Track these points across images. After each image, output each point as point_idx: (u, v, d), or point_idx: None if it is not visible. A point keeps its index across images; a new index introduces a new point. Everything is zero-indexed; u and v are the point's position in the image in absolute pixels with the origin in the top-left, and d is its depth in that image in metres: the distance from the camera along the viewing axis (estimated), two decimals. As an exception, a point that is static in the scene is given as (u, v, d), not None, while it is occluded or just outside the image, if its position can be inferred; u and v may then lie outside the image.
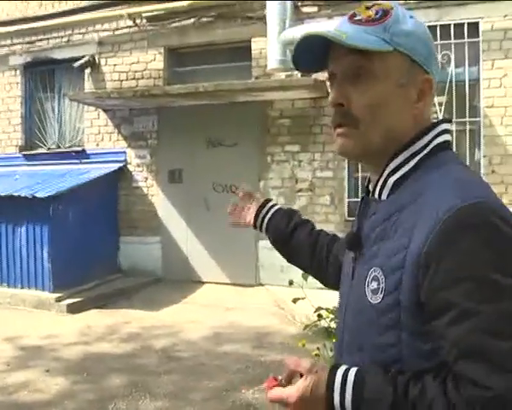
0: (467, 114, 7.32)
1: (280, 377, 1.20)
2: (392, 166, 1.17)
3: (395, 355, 1.07)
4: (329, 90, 1.24)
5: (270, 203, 1.82)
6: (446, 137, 1.19)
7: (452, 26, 7.35)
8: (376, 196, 1.22)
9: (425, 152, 1.16)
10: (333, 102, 1.19)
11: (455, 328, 0.97)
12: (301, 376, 1.14)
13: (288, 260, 1.82)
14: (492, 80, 7.33)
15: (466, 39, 7.35)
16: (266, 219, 1.79)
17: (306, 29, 7.11)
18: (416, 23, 1.18)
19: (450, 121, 1.23)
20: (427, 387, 1.00)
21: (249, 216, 1.85)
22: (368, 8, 1.19)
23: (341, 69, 1.18)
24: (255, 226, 1.83)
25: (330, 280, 1.65)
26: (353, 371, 1.09)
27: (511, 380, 0.92)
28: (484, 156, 7.24)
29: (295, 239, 1.73)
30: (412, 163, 1.15)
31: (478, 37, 7.37)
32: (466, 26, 7.34)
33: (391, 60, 1.14)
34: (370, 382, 1.06)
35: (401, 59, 1.14)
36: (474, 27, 7.37)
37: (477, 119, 7.35)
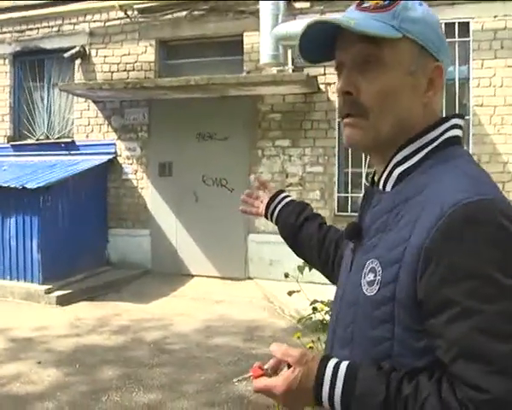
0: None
1: (266, 367, 1.16)
2: (399, 157, 1.14)
3: (387, 350, 1.05)
4: (337, 81, 1.22)
5: (283, 195, 1.84)
6: (457, 132, 1.16)
7: (443, 26, 7.41)
8: (381, 187, 1.19)
9: (434, 145, 1.13)
10: (341, 90, 1.17)
11: (454, 327, 0.94)
12: (289, 366, 1.10)
13: (296, 254, 1.83)
14: (482, 80, 7.43)
15: (456, 38, 7.43)
16: (277, 211, 1.81)
17: (299, 24, 7.15)
18: (425, 10, 1.15)
19: (462, 117, 1.20)
20: (421, 385, 0.97)
21: (261, 206, 1.87)
22: None
23: (350, 57, 1.15)
24: (266, 217, 1.86)
25: (337, 277, 1.64)
26: (345, 364, 1.06)
27: (507, 381, 0.90)
28: (473, 154, 7.29)
29: (304, 233, 1.74)
30: (420, 156, 1.13)
31: (468, 36, 7.46)
32: (457, 25, 7.41)
33: (400, 47, 1.11)
34: (362, 377, 1.03)
35: (411, 46, 1.12)
36: (464, 27, 7.45)
37: (466, 117, 7.43)
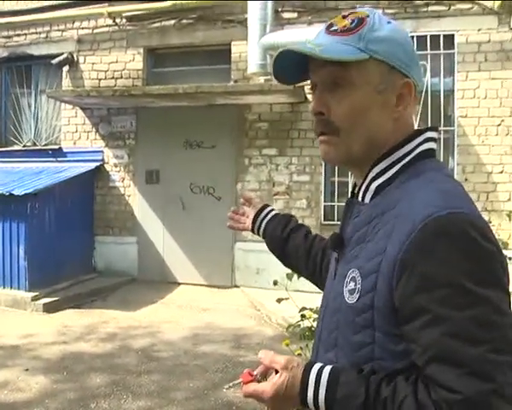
0: (441, 124, 7.51)
1: (255, 372, 1.21)
2: (375, 171, 1.19)
3: (368, 354, 1.10)
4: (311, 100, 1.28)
5: (268, 209, 1.91)
6: (431, 145, 1.20)
7: (429, 38, 7.55)
8: (360, 199, 1.25)
9: (408, 159, 1.17)
10: (313, 111, 1.22)
11: (427, 332, 0.99)
12: (276, 372, 1.16)
13: (284, 264, 1.89)
14: (466, 91, 7.56)
15: (442, 51, 7.56)
16: (263, 225, 1.88)
17: (287, 34, 7.23)
18: (393, 28, 1.19)
19: (436, 130, 1.24)
20: (398, 387, 1.02)
21: (248, 221, 1.93)
22: (344, 17, 1.20)
23: (320, 79, 1.21)
24: (253, 231, 1.92)
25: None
26: (328, 369, 1.12)
27: (479, 384, 0.94)
28: (457, 164, 7.45)
29: (291, 244, 1.79)
30: (395, 169, 1.18)
31: (453, 49, 7.59)
32: (442, 37, 7.55)
33: (367, 67, 1.16)
34: (344, 381, 1.08)
35: (378, 66, 1.16)
36: (449, 39, 7.59)
37: (451, 128, 7.56)
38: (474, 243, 1.00)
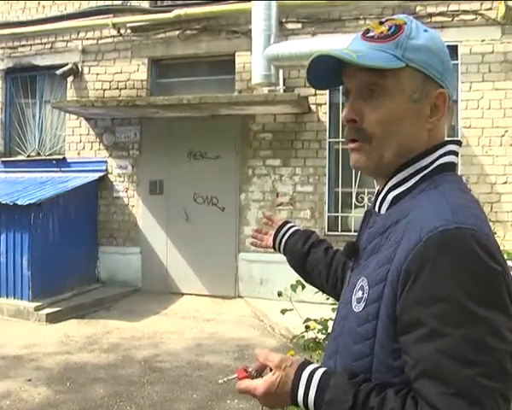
0: (445, 134, 7.49)
1: (250, 369, 1.24)
2: (393, 181, 1.19)
3: (366, 365, 1.09)
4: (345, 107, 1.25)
5: (289, 225, 1.92)
6: (451, 158, 1.19)
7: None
8: (377, 209, 1.24)
9: (426, 171, 1.16)
10: (345, 118, 1.21)
11: (421, 346, 0.98)
12: (271, 370, 1.19)
13: (305, 280, 1.89)
14: (470, 102, 7.56)
15: (445, 61, 7.55)
16: (284, 241, 1.89)
17: (290, 45, 7.25)
18: (430, 37, 1.18)
19: (458, 143, 1.23)
20: (387, 399, 1.02)
21: (269, 239, 1.96)
22: (381, 23, 1.20)
23: (355, 86, 1.20)
24: (274, 248, 1.93)
25: None
26: (320, 371, 1.13)
27: (465, 407, 0.92)
28: (462, 175, 7.42)
29: (311, 259, 1.79)
30: (413, 181, 1.17)
31: (457, 59, 7.59)
32: (445, 48, 7.54)
33: (403, 76, 1.15)
34: (334, 384, 1.09)
35: (414, 74, 1.15)
36: (453, 50, 7.59)
37: (455, 139, 7.54)
38: (478, 260, 0.98)
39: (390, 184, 1.20)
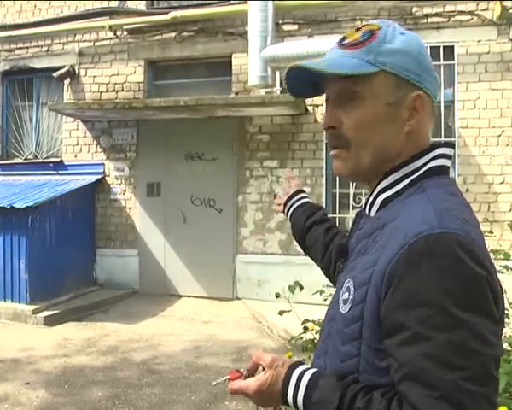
0: (442, 134, 7.52)
1: (242, 370, 1.28)
2: (382, 185, 1.20)
3: (353, 366, 1.10)
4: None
5: (301, 195, 1.93)
6: (442, 161, 1.19)
7: (428, 49, 7.53)
8: (367, 211, 1.26)
9: (416, 175, 1.16)
10: (324, 125, 1.24)
11: (404, 349, 0.98)
12: (263, 369, 1.22)
13: (305, 252, 1.91)
14: (467, 102, 7.58)
15: (442, 62, 7.57)
16: (292, 209, 1.91)
17: (287, 46, 7.26)
18: (406, 40, 1.18)
19: (450, 146, 1.22)
20: (373, 401, 1.03)
21: (281, 203, 1.98)
22: (358, 29, 1.21)
23: (331, 93, 1.22)
24: (284, 212, 1.97)
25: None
26: (310, 372, 1.15)
27: (447, 409, 0.93)
28: (458, 175, 7.44)
29: (311, 235, 1.81)
30: (402, 184, 1.17)
31: (453, 60, 7.61)
32: (442, 49, 7.57)
33: (377, 80, 1.15)
34: (322, 385, 1.11)
35: (388, 78, 1.15)
36: (449, 51, 7.62)
37: (452, 139, 7.56)
38: (461, 264, 0.98)
39: (380, 187, 1.21)
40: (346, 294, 1.15)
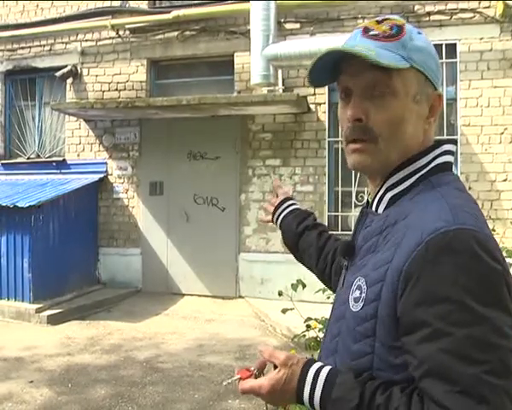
0: (444, 132, 7.52)
1: (252, 368, 1.24)
2: (390, 181, 1.19)
3: (367, 363, 1.10)
4: (339, 106, 1.24)
5: (290, 202, 1.93)
6: (447, 158, 1.20)
7: (431, 47, 7.55)
8: (374, 208, 1.25)
9: (423, 172, 1.17)
10: (353, 116, 1.18)
11: (425, 346, 0.99)
12: (275, 367, 1.18)
13: (297, 259, 1.91)
14: (469, 100, 7.57)
15: (444, 60, 7.55)
16: (281, 218, 1.90)
17: (289, 45, 7.25)
18: (425, 39, 1.20)
19: (454, 142, 1.23)
20: (393, 396, 1.02)
21: (269, 212, 1.98)
22: (379, 22, 1.19)
23: (359, 85, 1.18)
24: (272, 221, 1.95)
25: (334, 285, 1.64)
26: (326, 369, 1.13)
27: (472, 405, 0.93)
28: (461, 173, 7.43)
29: (303, 240, 1.81)
30: (410, 181, 1.17)
31: (455, 57, 7.60)
32: (444, 46, 7.55)
33: (408, 76, 1.15)
34: (340, 382, 1.09)
35: (416, 75, 1.16)
36: (451, 48, 7.60)
37: (454, 137, 7.55)
38: (478, 260, 0.99)
39: (387, 184, 1.20)
40: (358, 292, 1.14)
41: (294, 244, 1.85)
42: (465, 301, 0.97)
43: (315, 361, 1.18)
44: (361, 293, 1.13)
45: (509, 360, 0.97)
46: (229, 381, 1.31)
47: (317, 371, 1.14)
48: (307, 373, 1.14)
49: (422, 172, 1.17)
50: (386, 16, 1.21)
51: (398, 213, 1.14)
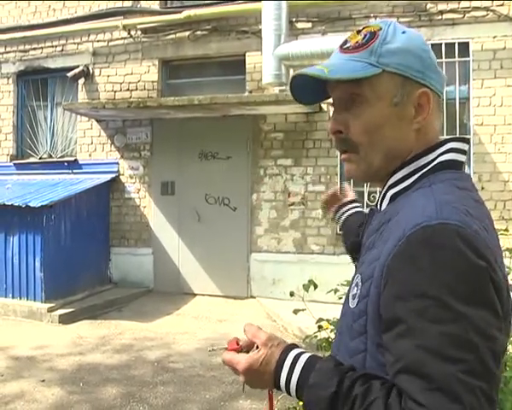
0: (457, 132, 7.46)
1: (241, 343, 1.23)
2: (392, 179, 1.20)
3: (361, 361, 1.09)
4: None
5: (355, 204, 2.00)
6: (454, 155, 1.17)
7: (443, 46, 7.50)
8: (378, 207, 1.27)
9: (424, 170, 1.16)
10: (331, 130, 1.23)
11: (400, 343, 0.97)
12: (257, 347, 1.18)
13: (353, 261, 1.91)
14: (482, 99, 7.50)
15: (457, 58, 7.51)
16: (344, 217, 1.97)
17: (301, 44, 7.21)
18: (407, 38, 1.17)
19: (462, 140, 1.21)
20: (372, 388, 1.00)
21: (332, 209, 2.06)
22: (358, 32, 1.21)
23: (337, 98, 1.22)
24: (334, 219, 2.04)
25: None
26: (306, 355, 1.12)
27: (447, 403, 0.91)
28: (474, 173, 7.37)
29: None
30: (411, 179, 1.17)
31: (468, 56, 7.54)
32: (457, 45, 7.51)
33: (380, 81, 1.15)
34: (318, 368, 1.08)
35: (392, 78, 1.15)
36: (464, 47, 7.55)
37: (467, 136, 7.49)
38: (459, 255, 0.97)
39: (390, 182, 1.21)
40: (355, 289, 1.15)
41: (355, 243, 1.85)
42: (442, 297, 0.95)
43: (296, 346, 1.16)
44: (357, 290, 1.13)
45: (488, 360, 0.94)
46: (215, 348, 1.32)
47: (296, 355, 1.13)
48: (286, 356, 1.13)
49: (423, 170, 1.17)
50: (369, 23, 1.22)
51: (393, 210, 1.15)
